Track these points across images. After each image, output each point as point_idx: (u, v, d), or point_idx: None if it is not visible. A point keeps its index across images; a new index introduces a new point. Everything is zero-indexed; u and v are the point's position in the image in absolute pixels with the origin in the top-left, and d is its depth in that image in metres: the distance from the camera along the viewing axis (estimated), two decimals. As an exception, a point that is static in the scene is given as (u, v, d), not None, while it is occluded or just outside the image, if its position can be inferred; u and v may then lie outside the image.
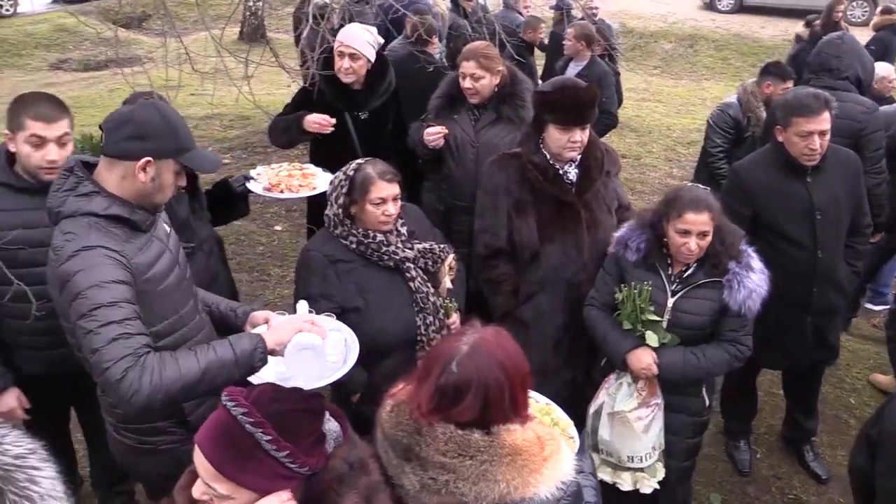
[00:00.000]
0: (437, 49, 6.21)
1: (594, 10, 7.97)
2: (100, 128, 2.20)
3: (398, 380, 2.90)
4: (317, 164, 4.13)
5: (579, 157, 3.17)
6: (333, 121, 3.95)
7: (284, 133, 4.12)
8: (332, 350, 2.43)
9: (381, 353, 2.89)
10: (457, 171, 4.00)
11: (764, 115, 4.83)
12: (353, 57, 4.00)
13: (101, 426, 2.54)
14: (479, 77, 3.85)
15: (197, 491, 1.48)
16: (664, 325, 2.91)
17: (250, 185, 3.58)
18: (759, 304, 2.85)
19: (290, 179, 3.72)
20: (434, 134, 3.88)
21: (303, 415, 1.53)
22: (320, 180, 3.75)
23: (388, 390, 2.81)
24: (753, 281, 2.83)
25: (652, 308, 2.89)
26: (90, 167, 2.22)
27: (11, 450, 1.83)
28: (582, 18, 7.42)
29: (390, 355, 2.92)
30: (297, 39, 7.20)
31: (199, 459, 1.46)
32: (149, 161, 2.12)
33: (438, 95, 4.03)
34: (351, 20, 6.46)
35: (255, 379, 2.33)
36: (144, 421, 2.34)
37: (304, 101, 4.14)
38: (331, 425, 1.62)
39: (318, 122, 3.94)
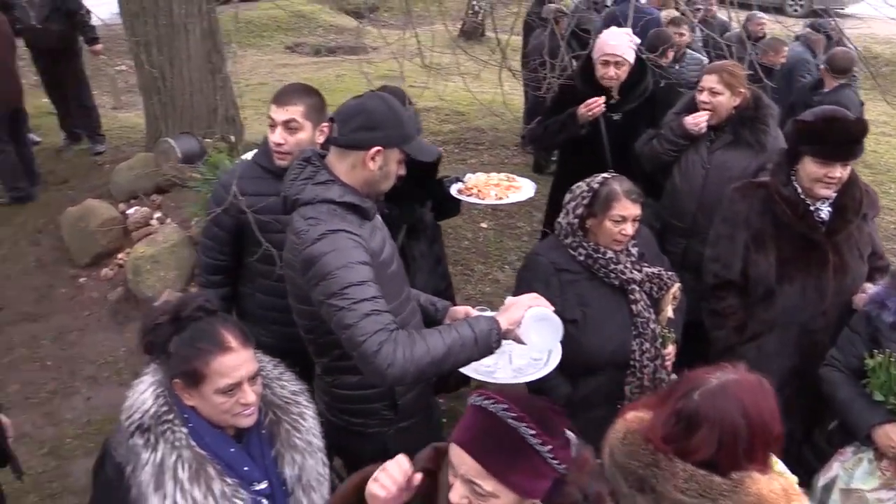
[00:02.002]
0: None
1: (829, 31, 7.35)
2: (331, 119, 2.31)
3: (602, 400, 2.88)
4: (564, 164, 4.17)
5: (835, 194, 2.91)
6: (602, 98, 3.93)
7: (560, 133, 4.15)
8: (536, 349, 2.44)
9: (589, 369, 2.85)
10: (682, 190, 3.84)
11: None
12: (618, 64, 3.97)
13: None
14: (717, 93, 3.68)
15: (456, 495, 1.49)
16: None
17: (452, 188, 3.67)
18: None
19: (493, 188, 3.75)
20: (700, 116, 3.69)
21: (553, 413, 1.53)
22: (517, 194, 3.76)
23: (589, 409, 2.80)
24: None
25: None
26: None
27: (288, 386, 2.05)
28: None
29: (597, 374, 2.87)
30: (526, 43, 7.29)
31: (463, 459, 1.47)
32: (378, 150, 2.21)
33: (676, 111, 3.89)
34: (578, 26, 6.46)
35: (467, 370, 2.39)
36: (358, 403, 2.45)
37: (562, 99, 4.19)
38: (570, 434, 1.60)
39: (589, 107, 3.93)
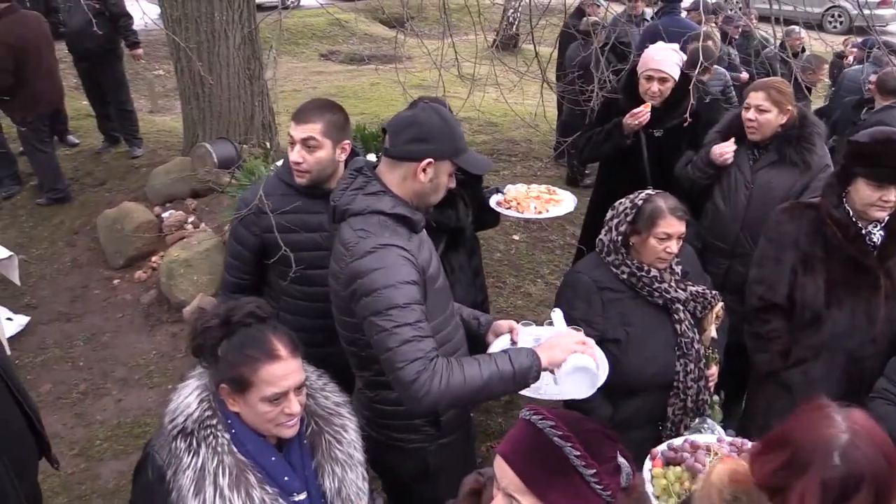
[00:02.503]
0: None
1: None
2: (383, 130, 2.30)
3: (643, 421, 2.81)
4: (603, 180, 4.10)
5: (888, 217, 2.83)
6: (648, 106, 3.91)
7: (604, 143, 4.13)
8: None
9: (632, 390, 2.79)
10: (724, 210, 3.77)
11: None
12: (662, 80, 3.94)
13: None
14: (764, 110, 3.60)
15: None
16: None
17: (491, 199, 3.62)
18: None
19: (533, 201, 3.70)
20: (726, 147, 3.65)
21: (604, 437, 1.48)
22: (558, 208, 3.71)
23: (629, 429, 2.73)
24: None
25: None
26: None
27: (331, 397, 2.02)
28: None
29: (640, 395, 2.82)
30: (562, 55, 7.26)
31: (505, 472, 1.44)
32: (430, 162, 2.19)
33: (717, 130, 3.83)
34: (617, 38, 6.41)
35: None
36: (400, 418, 2.41)
37: (606, 113, 4.18)
38: (623, 461, 1.55)
39: (635, 116, 3.91)
